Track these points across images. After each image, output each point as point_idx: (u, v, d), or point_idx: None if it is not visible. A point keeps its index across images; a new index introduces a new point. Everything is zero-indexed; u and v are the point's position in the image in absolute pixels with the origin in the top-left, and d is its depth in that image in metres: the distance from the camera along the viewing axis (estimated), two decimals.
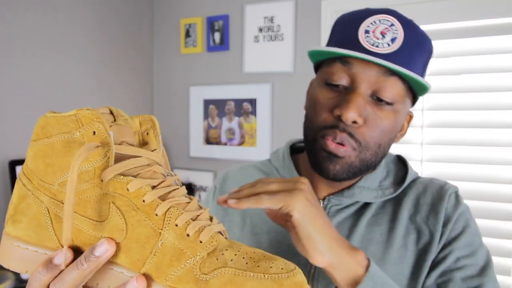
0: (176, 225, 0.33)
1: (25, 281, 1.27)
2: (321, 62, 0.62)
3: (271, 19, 1.74)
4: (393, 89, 0.54)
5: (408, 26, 0.56)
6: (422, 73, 0.59)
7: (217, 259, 0.32)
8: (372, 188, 0.63)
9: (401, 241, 0.60)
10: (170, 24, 1.99)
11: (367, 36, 0.54)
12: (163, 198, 0.34)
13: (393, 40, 0.54)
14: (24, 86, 1.41)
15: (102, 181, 0.33)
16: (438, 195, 0.62)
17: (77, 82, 1.62)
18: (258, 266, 0.32)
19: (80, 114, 0.33)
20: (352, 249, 0.49)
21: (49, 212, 0.34)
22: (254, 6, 1.76)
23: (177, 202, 0.34)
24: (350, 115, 0.53)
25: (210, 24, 1.87)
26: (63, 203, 0.33)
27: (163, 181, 0.35)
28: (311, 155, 0.60)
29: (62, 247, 0.33)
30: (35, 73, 1.45)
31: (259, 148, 1.79)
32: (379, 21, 0.55)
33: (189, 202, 0.35)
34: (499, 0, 1.35)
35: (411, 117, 0.65)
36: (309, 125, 0.60)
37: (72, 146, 0.33)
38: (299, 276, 0.32)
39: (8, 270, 1.27)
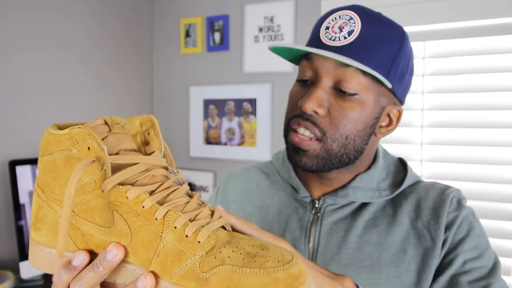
0: (175, 227, 0.35)
1: (25, 281, 1.27)
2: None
3: (271, 19, 1.74)
4: (353, 80, 0.56)
5: (370, 19, 0.56)
6: (388, 66, 0.57)
7: (215, 257, 0.34)
8: (368, 188, 0.63)
9: (400, 245, 0.59)
10: (170, 24, 1.99)
11: (327, 32, 0.57)
12: (161, 202, 0.36)
13: (349, 33, 0.56)
14: (24, 86, 1.41)
15: (103, 191, 0.35)
16: (440, 200, 0.61)
17: (77, 82, 1.62)
18: (254, 261, 0.33)
19: (73, 132, 0.35)
20: (337, 276, 0.46)
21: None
22: (254, 6, 1.76)
23: (175, 205, 0.36)
24: (309, 105, 0.56)
25: (210, 24, 1.87)
26: (74, 212, 0.36)
27: (162, 183, 0.37)
28: (286, 150, 0.63)
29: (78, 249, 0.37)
30: (35, 73, 1.45)
31: (259, 148, 1.79)
32: (339, 17, 0.57)
33: (188, 202, 0.37)
34: (499, 0, 1.35)
35: (400, 112, 0.63)
36: (284, 121, 0.64)
37: (71, 162, 0.36)
38: (295, 267, 0.33)
39: (8, 271, 1.27)
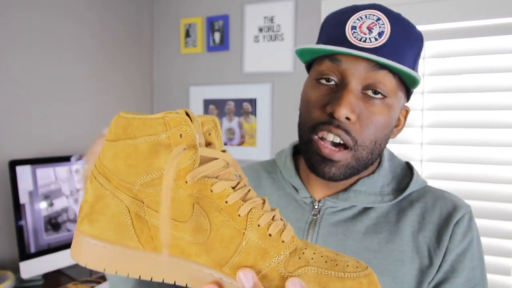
0: (259, 225, 0.34)
1: (25, 281, 1.27)
2: (311, 61, 0.61)
3: (271, 19, 1.74)
4: (383, 83, 0.54)
5: (395, 19, 0.55)
6: (413, 66, 0.58)
7: (299, 258, 0.34)
8: (371, 192, 0.62)
9: (399, 255, 0.58)
10: (170, 24, 1.99)
11: (354, 32, 0.54)
12: (243, 199, 0.35)
13: (380, 34, 0.54)
14: (24, 86, 1.41)
15: (186, 182, 0.34)
16: (447, 217, 0.59)
17: (77, 83, 1.62)
18: (336, 265, 0.33)
19: (167, 117, 0.34)
20: None
21: (129, 211, 0.35)
22: (254, 6, 1.76)
23: (256, 203, 0.35)
24: (343, 112, 0.52)
25: (210, 24, 1.87)
26: (144, 203, 0.34)
27: (239, 182, 0.36)
28: (306, 158, 0.59)
29: (143, 246, 0.35)
30: (35, 72, 1.45)
31: (259, 148, 1.79)
32: (366, 17, 0.55)
33: (264, 203, 0.36)
34: (499, 0, 1.35)
35: (407, 111, 0.64)
36: (302, 125, 0.60)
37: (158, 148, 0.34)
38: (373, 274, 0.34)
39: (9, 271, 1.26)
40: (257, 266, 0.33)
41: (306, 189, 0.66)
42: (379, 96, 0.55)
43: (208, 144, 0.38)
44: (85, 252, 0.35)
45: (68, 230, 1.37)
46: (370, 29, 0.54)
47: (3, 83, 1.35)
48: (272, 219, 0.35)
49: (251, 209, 0.34)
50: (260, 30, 1.76)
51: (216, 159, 0.35)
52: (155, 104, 2.06)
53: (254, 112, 1.79)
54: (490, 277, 1.40)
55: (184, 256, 0.34)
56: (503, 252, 1.37)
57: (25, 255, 1.23)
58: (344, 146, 0.56)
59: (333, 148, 0.56)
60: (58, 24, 1.53)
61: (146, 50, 2.00)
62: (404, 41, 0.55)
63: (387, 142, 0.60)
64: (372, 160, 0.58)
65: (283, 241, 0.34)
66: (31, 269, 1.24)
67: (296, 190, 0.67)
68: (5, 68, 1.35)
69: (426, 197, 0.62)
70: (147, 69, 2.01)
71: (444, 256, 0.57)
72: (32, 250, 1.25)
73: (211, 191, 0.34)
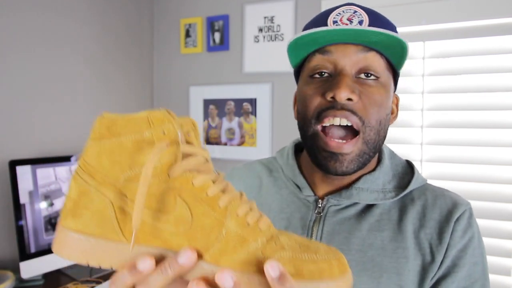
0: (237, 215, 0.36)
1: (25, 281, 1.27)
2: (301, 64, 0.63)
3: (271, 19, 1.74)
4: (374, 63, 0.57)
5: (370, 11, 0.59)
6: None
7: (275, 243, 0.36)
8: (373, 190, 0.62)
9: (402, 252, 0.58)
10: (170, 24, 1.99)
11: (337, 25, 0.57)
12: (223, 191, 0.37)
13: (360, 22, 0.57)
14: (24, 86, 1.41)
15: (168, 176, 0.36)
16: (447, 214, 0.60)
17: (77, 83, 1.62)
18: (309, 249, 0.36)
19: (151, 115, 0.36)
20: None
21: (113, 206, 0.36)
22: (254, 6, 1.76)
23: (235, 195, 0.38)
24: (344, 93, 0.54)
25: (210, 24, 1.87)
26: (127, 197, 0.36)
27: (218, 175, 0.39)
28: (313, 155, 0.60)
29: (127, 239, 0.36)
30: (36, 72, 1.45)
31: (259, 148, 1.79)
32: (343, 11, 0.58)
33: (242, 195, 0.39)
34: (499, 0, 1.35)
35: (397, 99, 0.66)
36: (304, 120, 0.60)
37: (142, 145, 0.36)
38: (343, 258, 0.37)
39: (9, 271, 1.26)
40: (237, 252, 0.35)
41: (309, 187, 0.66)
42: (372, 77, 0.57)
43: (188, 144, 0.40)
44: (68, 246, 0.36)
45: None
46: (350, 20, 0.57)
47: (3, 83, 1.35)
48: (250, 210, 0.37)
49: (230, 200, 0.37)
50: (260, 30, 1.76)
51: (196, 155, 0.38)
52: (155, 104, 2.06)
53: (254, 112, 1.80)
54: (490, 277, 1.40)
55: (167, 247, 0.36)
56: (503, 252, 1.37)
57: (25, 255, 1.23)
58: (351, 131, 0.56)
59: (340, 140, 0.56)
60: (58, 24, 1.53)
61: (146, 50, 2.00)
62: (382, 27, 0.57)
63: (388, 125, 0.61)
64: (379, 143, 0.59)
65: (260, 229, 0.37)
66: (31, 269, 1.24)
67: (299, 188, 0.67)
68: (5, 68, 1.35)
69: (426, 194, 0.63)
70: (147, 69, 2.01)
71: (445, 252, 0.58)
72: (32, 250, 1.26)
73: (193, 184, 0.36)
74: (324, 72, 0.58)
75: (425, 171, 1.51)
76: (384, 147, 0.68)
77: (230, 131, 1.85)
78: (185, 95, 1.98)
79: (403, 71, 1.52)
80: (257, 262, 0.35)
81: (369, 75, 0.57)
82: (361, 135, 0.56)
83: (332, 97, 0.55)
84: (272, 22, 1.73)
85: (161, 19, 2.02)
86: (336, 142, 0.56)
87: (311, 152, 0.60)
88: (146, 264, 0.34)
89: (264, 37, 1.75)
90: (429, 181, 1.22)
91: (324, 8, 1.62)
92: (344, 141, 0.56)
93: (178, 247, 0.36)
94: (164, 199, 0.36)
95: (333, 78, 0.57)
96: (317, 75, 0.59)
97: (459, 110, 1.44)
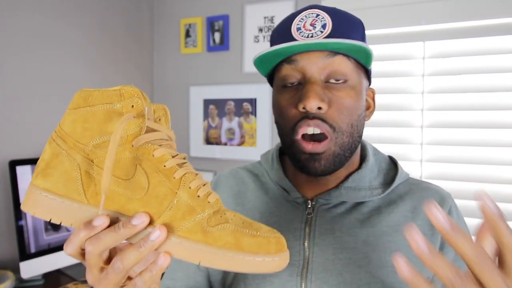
0: (190, 188, 0.40)
1: (25, 281, 1.27)
2: (271, 72, 0.65)
3: (271, 19, 1.74)
4: (341, 67, 0.58)
5: (333, 11, 0.59)
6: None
7: (221, 216, 0.40)
8: (361, 188, 0.64)
9: (396, 246, 0.60)
10: (170, 24, 1.99)
11: (300, 32, 0.58)
12: (180, 165, 0.41)
13: (323, 26, 0.57)
14: (24, 86, 1.41)
15: (132, 146, 0.39)
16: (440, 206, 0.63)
17: (77, 83, 1.62)
18: (251, 226, 0.40)
19: (123, 89, 0.40)
20: None
21: (80, 169, 0.40)
22: (254, 6, 1.76)
23: (190, 171, 0.41)
24: (312, 103, 0.55)
25: (210, 24, 1.87)
26: (94, 162, 0.40)
27: (178, 154, 0.42)
28: (294, 160, 0.61)
29: (88, 201, 0.39)
30: (35, 72, 1.45)
31: (259, 148, 1.79)
32: (306, 16, 0.59)
33: (197, 174, 0.42)
34: (499, 0, 1.35)
35: (373, 93, 0.67)
36: (282, 130, 0.62)
37: (112, 115, 0.40)
38: (282, 238, 0.40)
39: (9, 271, 1.26)
40: (184, 220, 0.39)
41: (296, 190, 0.67)
42: (341, 81, 0.58)
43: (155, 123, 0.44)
44: (35, 203, 0.40)
45: (68, 230, 1.37)
46: (313, 25, 0.58)
47: (3, 83, 1.35)
48: (203, 185, 0.41)
49: (185, 173, 0.40)
50: (260, 30, 1.76)
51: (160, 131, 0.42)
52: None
53: (254, 112, 1.80)
54: None
55: (124, 211, 0.40)
56: None
57: (25, 255, 1.23)
58: (324, 136, 0.58)
59: (314, 142, 0.58)
60: (58, 24, 1.53)
61: (146, 50, 2.00)
62: (347, 27, 0.59)
63: (363, 124, 0.63)
64: (354, 143, 0.61)
65: (209, 202, 0.40)
66: (31, 269, 1.24)
67: (287, 191, 0.68)
68: (5, 68, 1.35)
69: (414, 190, 0.66)
70: (147, 69, 2.01)
71: (438, 242, 0.61)
72: (32, 250, 1.26)
73: (153, 155, 0.40)
74: (294, 82, 0.59)
75: (425, 171, 1.51)
76: (367, 144, 0.70)
77: (230, 131, 1.85)
78: (185, 95, 1.98)
79: (403, 71, 1.52)
80: (202, 231, 0.39)
81: (338, 79, 0.58)
82: (333, 139, 0.58)
83: (304, 108, 0.57)
84: (272, 22, 1.74)
85: (161, 19, 2.02)
86: (311, 144, 0.58)
87: (292, 157, 0.62)
88: (101, 221, 0.38)
89: (264, 37, 1.75)
90: (429, 181, 1.22)
91: None
92: (318, 143, 0.58)
93: (133, 212, 0.39)
94: (126, 166, 0.39)
95: (303, 87, 0.58)
96: (288, 84, 0.60)
97: (459, 110, 1.44)
